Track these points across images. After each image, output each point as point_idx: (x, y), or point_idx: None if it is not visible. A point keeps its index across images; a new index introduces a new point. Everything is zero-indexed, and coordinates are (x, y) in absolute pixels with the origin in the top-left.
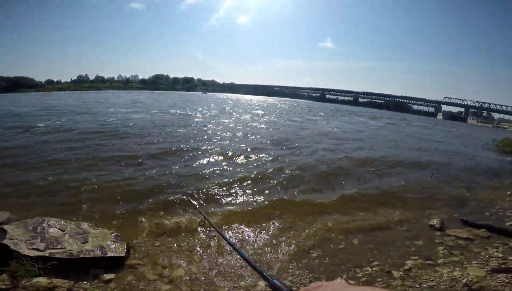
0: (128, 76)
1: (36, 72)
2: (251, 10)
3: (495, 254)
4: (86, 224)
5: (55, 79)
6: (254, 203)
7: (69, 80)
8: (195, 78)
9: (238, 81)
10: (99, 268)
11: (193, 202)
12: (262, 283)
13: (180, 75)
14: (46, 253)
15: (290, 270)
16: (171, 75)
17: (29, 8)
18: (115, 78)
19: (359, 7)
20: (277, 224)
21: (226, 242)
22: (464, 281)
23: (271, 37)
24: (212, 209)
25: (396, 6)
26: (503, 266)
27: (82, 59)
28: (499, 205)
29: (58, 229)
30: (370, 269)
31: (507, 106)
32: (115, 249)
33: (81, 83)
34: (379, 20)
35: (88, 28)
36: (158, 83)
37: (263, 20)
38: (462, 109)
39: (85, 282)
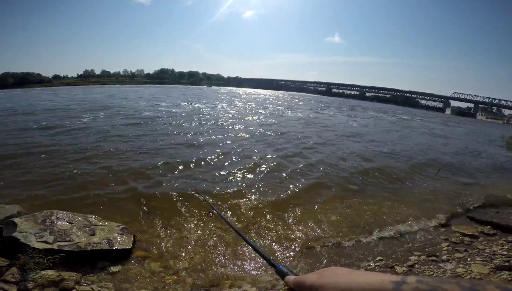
0: (133, 70)
1: (42, 68)
2: (257, 4)
3: (500, 251)
4: (94, 216)
5: (61, 74)
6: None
7: (75, 75)
8: (200, 72)
9: (243, 75)
10: (106, 260)
11: (200, 193)
12: (266, 274)
13: (185, 69)
14: (55, 246)
15: (294, 263)
16: (176, 70)
17: (35, 4)
18: (120, 72)
19: (367, 1)
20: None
21: (231, 233)
22: (467, 278)
23: (277, 32)
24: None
25: (405, 1)
26: (507, 264)
27: (88, 54)
28: (506, 202)
29: (67, 222)
30: (373, 264)
31: None
32: (121, 241)
33: (87, 78)
34: (388, 15)
35: (94, 23)
36: (163, 77)
37: (269, 15)
38: (471, 105)
39: (92, 275)
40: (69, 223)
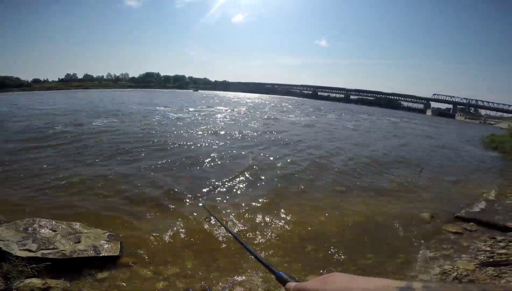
0: (118, 74)
1: (21, 72)
2: (247, 8)
3: (483, 247)
4: (78, 224)
5: (42, 78)
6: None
7: (56, 79)
8: (187, 76)
9: (231, 79)
10: (93, 267)
11: (198, 200)
12: (257, 279)
13: (172, 73)
14: (39, 254)
15: (286, 264)
16: (162, 73)
17: (11, 3)
18: (104, 76)
19: (354, 6)
20: (273, 218)
21: (222, 237)
22: (455, 274)
23: (267, 35)
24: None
25: (387, 7)
26: (491, 260)
27: (70, 57)
28: (486, 199)
29: (50, 230)
30: (364, 262)
31: (493, 103)
32: (108, 248)
33: (69, 82)
34: (372, 19)
35: (79, 26)
36: (148, 81)
37: (258, 18)
38: (450, 106)
39: (79, 282)
40: (53, 230)
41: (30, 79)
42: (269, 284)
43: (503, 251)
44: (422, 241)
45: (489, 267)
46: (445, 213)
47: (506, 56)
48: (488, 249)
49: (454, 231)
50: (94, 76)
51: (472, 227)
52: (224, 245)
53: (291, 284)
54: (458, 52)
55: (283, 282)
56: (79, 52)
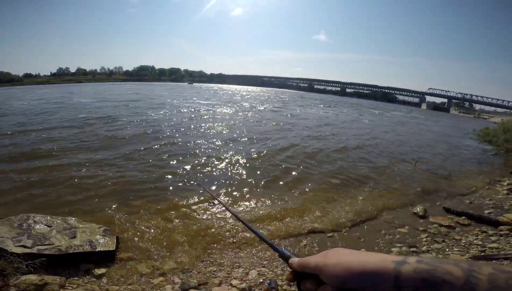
0: (111, 68)
1: (11, 66)
2: (245, 3)
3: (475, 241)
4: (73, 219)
5: (33, 73)
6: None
7: (48, 73)
8: (182, 69)
9: (228, 72)
10: (90, 262)
11: (201, 185)
12: (253, 272)
13: (167, 66)
14: (34, 250)
15: (280, 259)
16: (157, 67)
17: None
18: (97, 70)
19: (352, 1)
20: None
21: (217, 231)
22: None
23: (265, 29)
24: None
25: (386, 3)
26: (483, 254)
27: (62, 52)
28: (478, 193)
29: (45, 225)
30: None
31: (487, 97)
32: (104, 243)
33: (61, 76)
34: (369, 15)
35: (72, 20)
36: (143, 74)
37: (257, 12)
38: (445, 100)
39: (76, 278)
40: (48, 226)
41: (21, 74)
42: (265, 276)
43: (494, 245)
44: (415, 235)
45: (481, 261)
46: (438, 207)
47: (500, 54)
48: (480, 243)
49: (447, 224)
50: (87, 70)
51: (464, 221)
52: (222, 239)
53: (294, 259)
54: (453, 49)
55: (286, 258)
56: (71, 46)
